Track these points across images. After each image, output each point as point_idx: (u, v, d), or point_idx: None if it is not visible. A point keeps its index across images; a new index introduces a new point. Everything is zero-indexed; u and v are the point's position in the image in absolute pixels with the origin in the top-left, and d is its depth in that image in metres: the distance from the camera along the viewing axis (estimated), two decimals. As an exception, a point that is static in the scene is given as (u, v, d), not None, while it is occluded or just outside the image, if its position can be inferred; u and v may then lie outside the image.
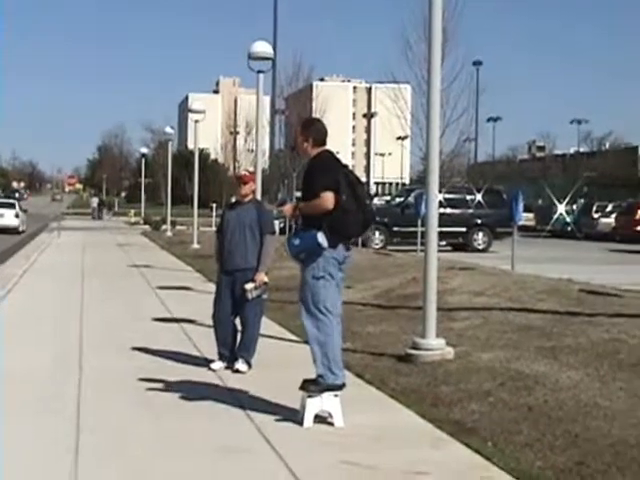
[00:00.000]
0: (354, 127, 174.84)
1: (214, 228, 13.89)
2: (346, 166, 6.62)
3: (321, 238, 6.18)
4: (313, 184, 6.28)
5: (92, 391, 7.40)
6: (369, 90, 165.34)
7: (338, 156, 6.83)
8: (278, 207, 6.84)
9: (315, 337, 6.27)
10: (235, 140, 60.72)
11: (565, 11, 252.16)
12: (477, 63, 47.18)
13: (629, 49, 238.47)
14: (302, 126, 6.64)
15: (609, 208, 41.51)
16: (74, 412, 6.65)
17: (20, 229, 39.11)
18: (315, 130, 6.56)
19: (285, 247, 6.33)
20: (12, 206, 40.43)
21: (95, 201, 69.95)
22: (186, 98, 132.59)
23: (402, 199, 31.84)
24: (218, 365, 8.40)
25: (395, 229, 29.29)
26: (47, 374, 8.16)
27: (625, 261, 25.84)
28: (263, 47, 15.81)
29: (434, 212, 9.01)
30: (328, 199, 6.18)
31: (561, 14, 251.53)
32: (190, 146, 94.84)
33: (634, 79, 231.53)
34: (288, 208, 6.43)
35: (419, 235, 21.83)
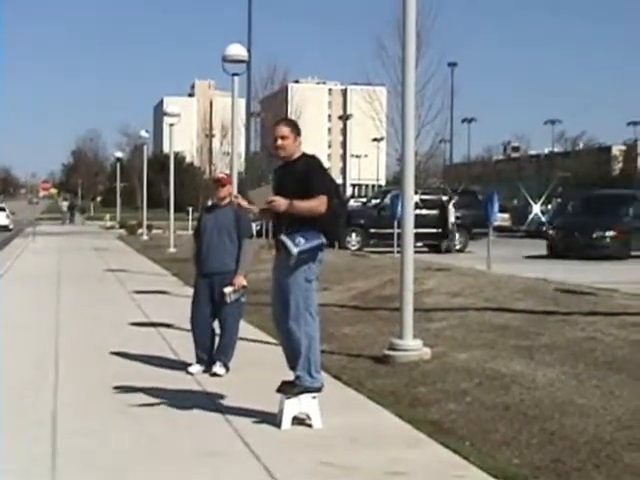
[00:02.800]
0: (330, 129, 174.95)
1: (190, 232, 13.91)
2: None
3: (323, 239, 6.23)
4: (313, 185, 6.22)
5: (69, 397, 7.37)
6: (344, 92, 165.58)
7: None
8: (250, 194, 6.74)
9: (301, 340, 6.25)
10: (211, 143, 60.61)
11: (539, 12, 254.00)
12: (452, 64, 47.42)
13: (601, 50, 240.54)
14: (291, 126, 6.51)
15: (584, 207, 41.70)
16: (50, 418, 6.62)
17: (10, 227, 50.39)
18: (299, 130, 6.53)
19: (287, 246, 6.15)
20: (3, 209, 52.91)
21: (65, 205, 69.26)
22: (161, 101, 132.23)
23: (378, 201, 31.92)
24: (196, 369, 8.39)
25: (372, 231, 29.35)
26: (23, 380, 8.11)
27: (599, 260, 26.00)
28: (237, 50, 15.84)
29: (410, 213, 9.05)
30: (324, 203, 6.19)
31: (535, 15, 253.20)
32: (166, 149, 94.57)
33: (606, 79, 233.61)
34: (283, 202, 6.21)
35: (395, 236, 21.92)
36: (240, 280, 8.30)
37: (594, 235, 25.82)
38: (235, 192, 14.02)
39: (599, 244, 25.70)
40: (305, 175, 6.27)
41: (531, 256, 26.17)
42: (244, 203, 6.62)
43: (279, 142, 6.41)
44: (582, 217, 27.78)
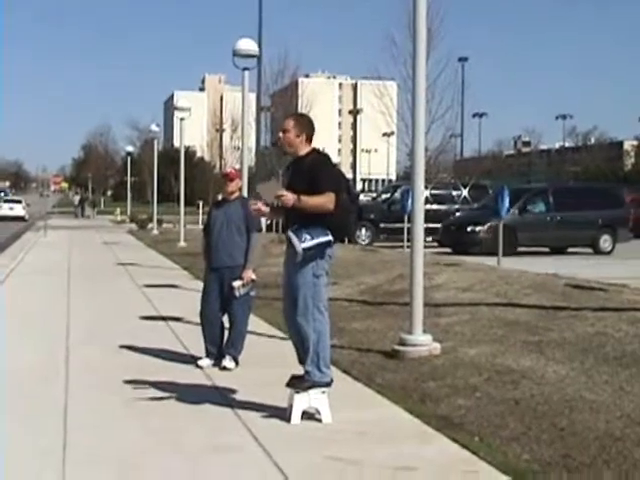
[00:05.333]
0: (340, 124, 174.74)
1: (201, 226, 13.93)
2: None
3: (330, 236, 6.22)
4: (320, 181, 6.19)
5: (79, 389, 7.40)
6: (355, 86, 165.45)
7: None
8: (255, 199, 6.71)
9: (310, 336, 6.26)
10: (221, 138, 60.67)
11: (550, 6, 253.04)
12: (462, 59, 47.45)
13: (614, 44, 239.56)
14: (296, 120, 6.51)
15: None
16: (61, 410, 6.64)
17: (26, 218, 56.25)
18: (309, 126, 6.48)
19: (293, 242, 6.15)
20: (20, 202, 60.31)
21: (77, 199, 70.37)
22: (172, 96, 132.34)
23: (388, 196, 31.88)
24: (205, 362, 8.41)
25: (382, 226, 29.33)
26: (33, 372, 8.14)
27: (609, 255, 25.96)
28: (248, 44, 15.84)
29: (420, 208, 9.03)
30: (332, 200, 6.17)
31: (546, 9, 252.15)
32: (176, 144, 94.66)
33: (619, 74, 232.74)
34: (291, 197, 6.16)
35: (405, 231, 21.89)
36: (249, 274, 8.31)
37: (468, 229, 25.65)
38: (245, 187, 14.06)
39: (471, 239, 25.39)
40: (312, 171, 6.25)
41: (538, 252, 26.03)
42: (262, 208, 6.55)
43: (280, 135, 6.45)
44: (474, 211, 27.70)
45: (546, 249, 26.09)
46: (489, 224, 25.29)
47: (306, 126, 6.48)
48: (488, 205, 27.31)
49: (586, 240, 26.36)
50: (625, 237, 27.09)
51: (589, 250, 26.32)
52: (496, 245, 24.62)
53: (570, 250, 26.32)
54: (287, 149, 6.47)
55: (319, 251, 6.23)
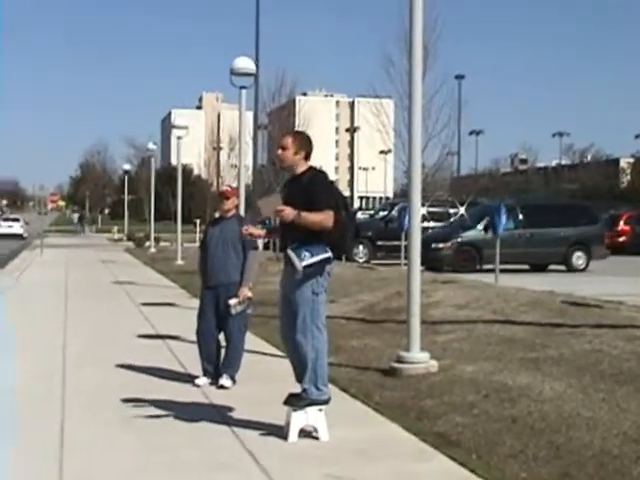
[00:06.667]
0: (337, 141, 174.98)
1: (198, 244, 13.95)
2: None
3: (330, 252, 6.23)
4: (318, 199, 6.20)
5: (76, 408, 7.38)
6: (352, 104, 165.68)
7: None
8: (259, 223, 6.78)
9: (308, 353, 6.25)
10: (218, 156, 60.81)
11: (546, 25, 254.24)
12: (459, 77, 47.60)
13: (609, 62, 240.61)
14: (294, 137, 6.52)
15: (591, 220, 41.57)
16: (58, 429, 6.63)
17: (24, 235, 58.03)
18: (307, 144, 6.50)
19: (293, 260, 6.17)
20: (18, 220, 62.95)
21: (76, 216, 71.54)
22: (169, 114, 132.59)
23: (386, 213, 31.89)
24: (202, 381, 8.40)
25: (379, 243, 29.33)
26: (30, 391, 8.12)
27: (606, 272, 25.95)
28: (245, 63, 15.90)
29: (417, 226, 9.05)
30: (331, 217, 6.19)
31: (543, 28, 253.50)
32: (173, 162, 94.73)
33: (615, 92, 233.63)
34: (291, 212, 6.18)
35: (403, 249, 21.89)
36: (245, 292, 8.31)
37: (432, 246, 25.32)
38: (242, 205, 14.07)
39: (434, 255, 25.01)
40: (309, 189, 6.27)
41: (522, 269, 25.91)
42: (256, 232, 6.66)
43: (278, 152, 6.50)
44: (443, 229, 27.81)
45: (513, 266, 25.85)
46: (451, 241, 25.62)
47: (304, 144, 6.50)
48: (457, 223, 27.46)
49: (557, 257, 26.07)
50: (600, 254, 26.81)
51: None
52: (457, 262, 24.92)
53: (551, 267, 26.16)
54: (283, 165, 6.51)
55: (318, 268, 6.24)
